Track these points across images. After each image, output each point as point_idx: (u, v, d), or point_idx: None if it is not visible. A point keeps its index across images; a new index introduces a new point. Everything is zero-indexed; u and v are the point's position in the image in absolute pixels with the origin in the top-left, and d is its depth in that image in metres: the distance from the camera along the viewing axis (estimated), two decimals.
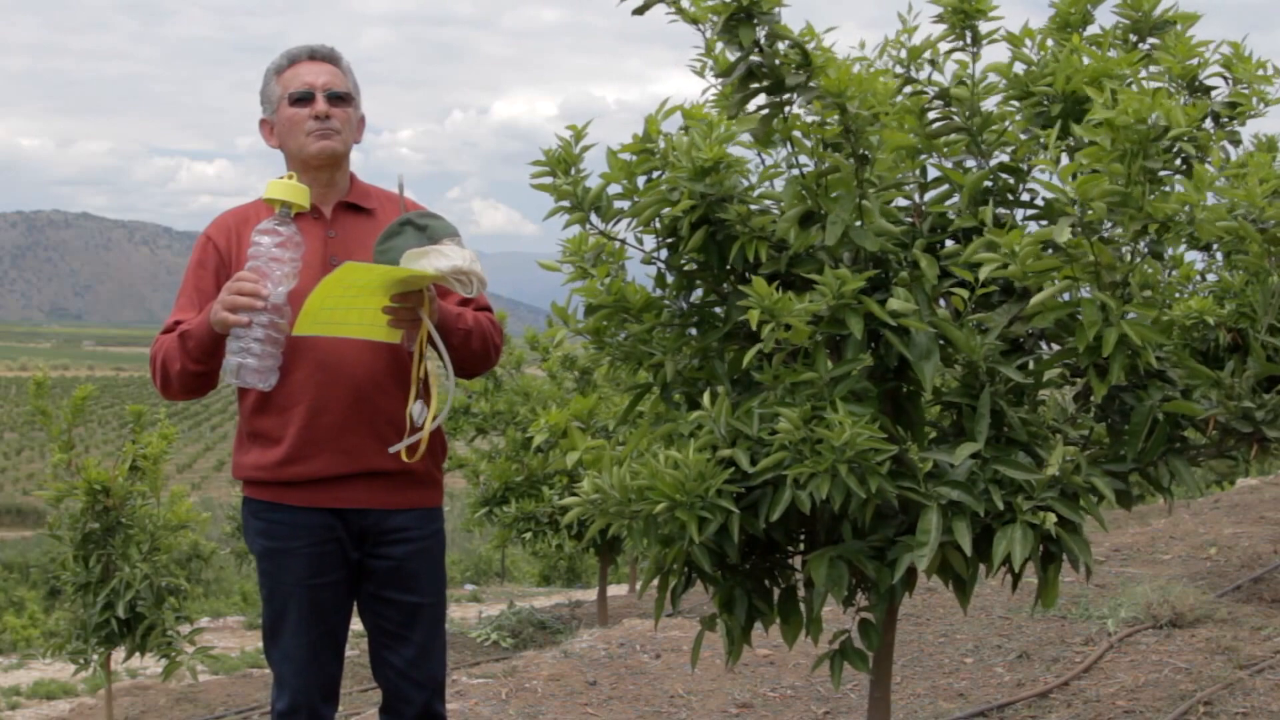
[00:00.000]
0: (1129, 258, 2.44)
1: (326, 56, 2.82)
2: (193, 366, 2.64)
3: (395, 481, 2.78)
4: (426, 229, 2.56)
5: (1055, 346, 2.68)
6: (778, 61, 2.55)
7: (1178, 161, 2.39)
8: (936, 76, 2.79)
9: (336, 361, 2.70)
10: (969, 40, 2.76)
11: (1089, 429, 2.71)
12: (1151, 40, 2.82)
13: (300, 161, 2.78)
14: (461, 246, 2.57)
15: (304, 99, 2.75)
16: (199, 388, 2.72)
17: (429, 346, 2.70)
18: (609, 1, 2.62)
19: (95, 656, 6.30)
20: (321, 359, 2.70)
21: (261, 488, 2.77)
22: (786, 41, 2.54)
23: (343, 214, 2.82)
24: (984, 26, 2.75)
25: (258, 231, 2.60)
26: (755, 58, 2.55)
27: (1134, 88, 2.56)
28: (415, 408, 2.73)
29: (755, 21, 2.51)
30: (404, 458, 2.71)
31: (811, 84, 2.54)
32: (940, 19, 2.75)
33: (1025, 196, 2.76)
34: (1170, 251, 2.52)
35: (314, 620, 2.77)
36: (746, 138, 2.65)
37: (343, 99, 2.79)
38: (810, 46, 2.54)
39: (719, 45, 2.59)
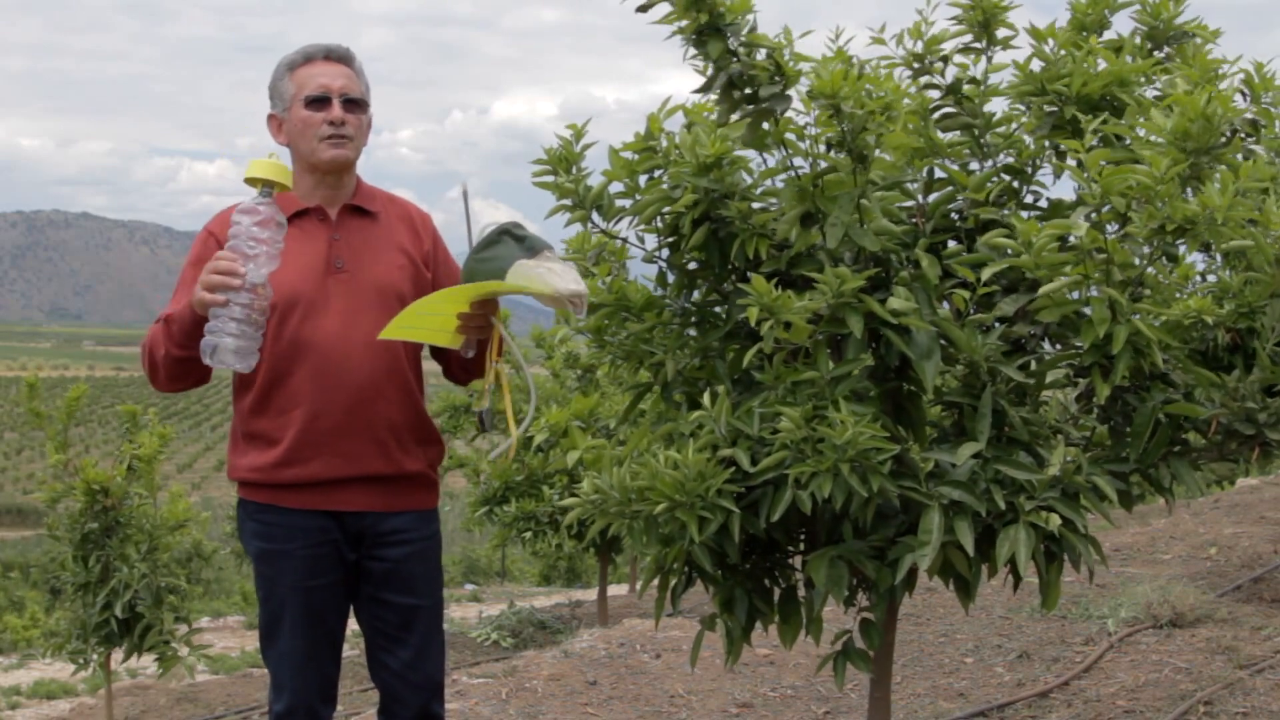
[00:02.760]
0: (1144, 258, 2.43)
1: (342, 57, 2.77)
2: (176, 351, 2.61)
3: (392, 485, 2.78)
4: (524, 240, 2.53)
5: (1058, 347, 2.68)
6: (753, 72, 2.55)
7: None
8: (949, 73, 2.78)
9: (337, 365, 2.68)
10: (984, 42, 2.76)
11: (1091, 429, 2.70)
12: (1167, 49, 2.82)
13: (309, 165, 2.76)
14: (557, 258, 2.54)
15: (320, 102, 2.71)
16: (184, 375, 2.68)
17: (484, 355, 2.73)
18: (609, 1, 2.62)
19: (95, 656, 6.30)
20: (322, 362, 2.69)
21: (257, 489, 2.75)
22: (764, 50, 2.55)
23: (348, 217, 2.80)
24: (1000, 32, 2.75)
25: (239, 211, 2.56)
26: (735, 67, 2.55)
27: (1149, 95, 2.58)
28: (484, 411, 2.76)
29: (725, 32, 2.52)
30: (485, 467, 2.75)
31: (787, 93, 2.54)
32: (958, 19, 2.75)
33: (1029, 199, 2.76)
34: (1183, 248, 2.51)
35: (311, 622, 2.76)
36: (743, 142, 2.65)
37: (357, 104, 2.75)
38: (787, 55, 2.54)
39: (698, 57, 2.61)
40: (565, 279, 2.46)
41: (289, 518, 2.72)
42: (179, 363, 2.64)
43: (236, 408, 2.80)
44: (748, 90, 2.58)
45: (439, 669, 2.89)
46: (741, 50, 2.55)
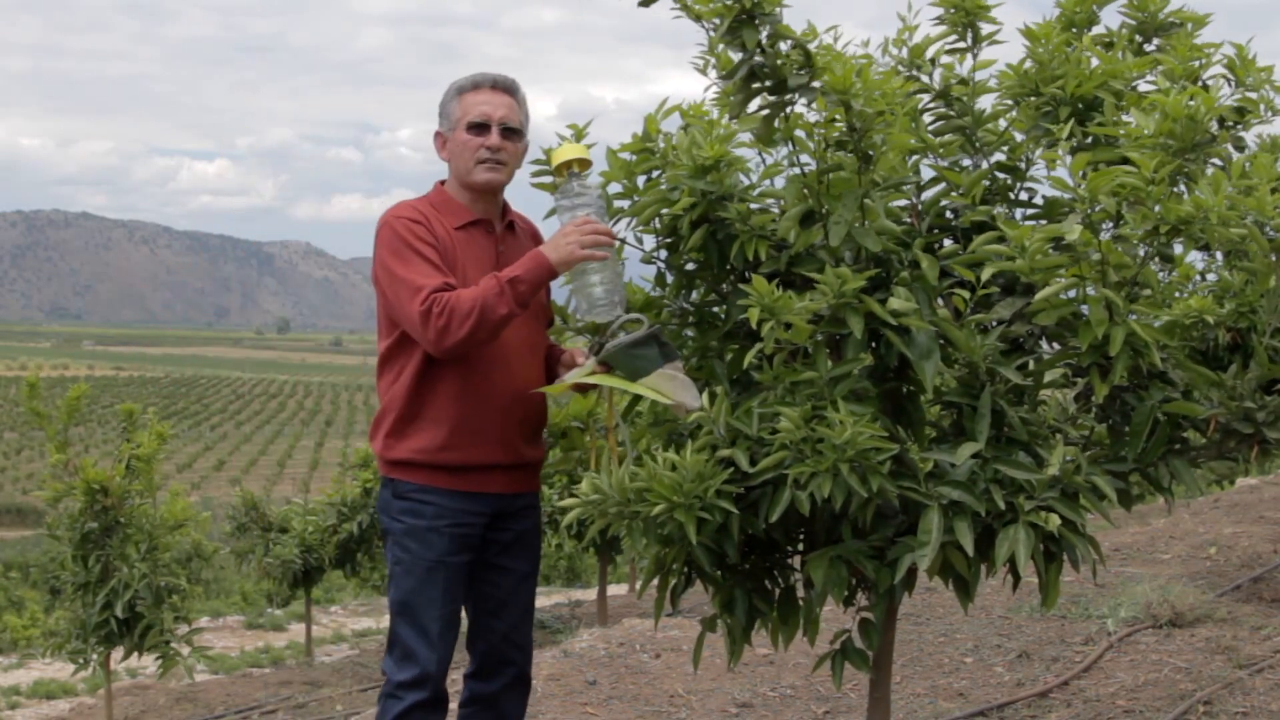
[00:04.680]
0: (1140, 259, 2.43)
1: (507, 88, 3.00)
2: (518, 310, 2.82)
3: (525, 469, 3.08)
4: (665, 346, 2.77)
5: (1056, 346, 2.68)
6: (780, 62, 2.55)
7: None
8: (937, 75, 2.78)
9: (506, 365, 2.96)
10: (970, 40, 2.76)
11: (1089, 429, 2.70)
12: (1157, 41, 2.82)
13: (464, 184, 3.00)
14: (682, 369, 2.79)
15: (480, 128, 2.95)
16: (498, 334, 2.86)
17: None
18: (609, 1, 2.62)
19: (95, 656, 6.30)
20: (495, 360, 2.94)
21: (415, 470, 2.96)
22: (789, 42, 2.54)
23: (506, 232, 3.06)
24: (985, 28, 2.75)
25: (583, 186, 2.83)
26: (758, 59, 2.55)
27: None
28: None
29: (758, 23, 2.51)
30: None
31: (814, 84, 2.53)
32: (941, 20, 2.75)
33: (1023, 196, 2.75)
34: (1179, 250, 2.51)
35: (449, 597, 2.97)
36: (746, 136, 2.65)
37: (514, 133, 2.98)
38: (812, 46, 2.54)
39: (722, 45, 2.59)
40: (688, 394, 2.71)
41: (443, 498, 2.96)
42: (510, 320, 2.84)
43: (395, 392, 2.97)
44: (767, 83, 2.58)
45: (532, 636, 3.19)
46: (767, 42, 2.55)
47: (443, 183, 3.07)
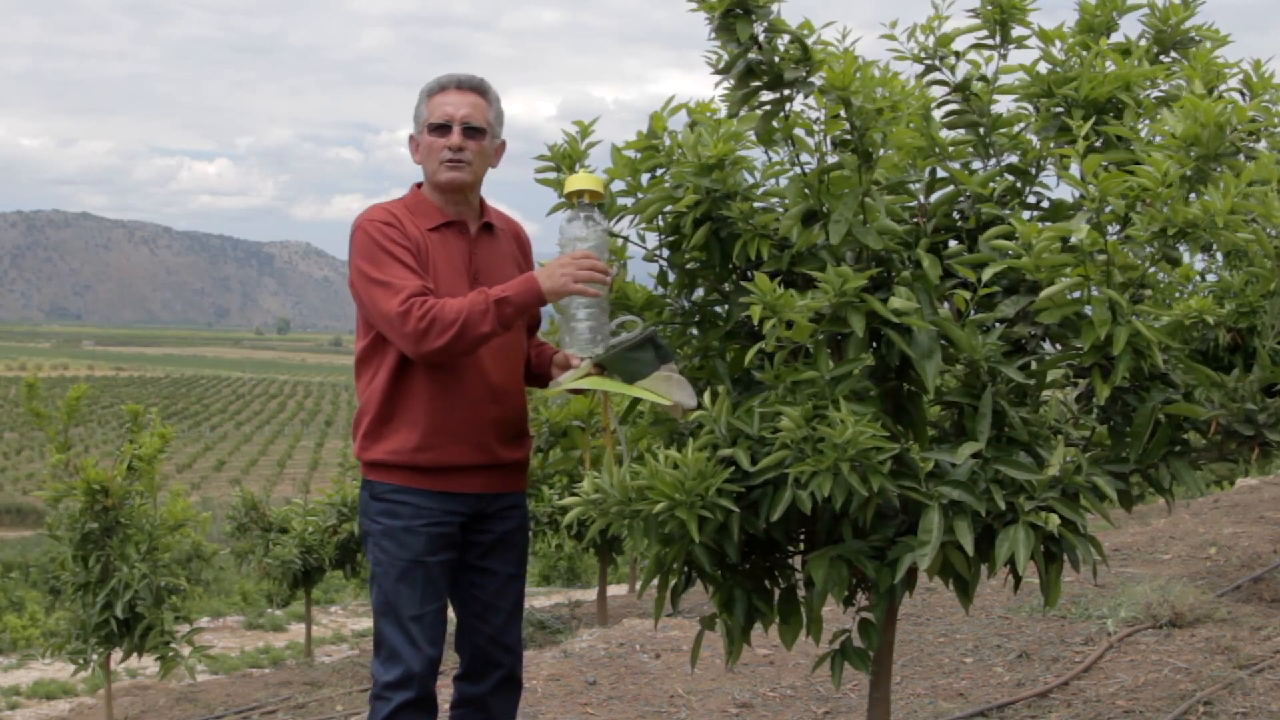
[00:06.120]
0: (1146, 261, 2.43)
1: (474, 87, 3.01)
2: (500, 330, 2.83)
3: (506, 470, 3.07)
4: (660, 349, 2.78)
5: (1058, 348, 2.68)
6: (777, 57, 2.54)
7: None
8: (961, 70, 2.76)
9: (478, 365, 2.96)
10: (999, 40, 2.75)
11: (1090, 430, 2.70)
12: (1174, 54, 2.81)
13: (432, 184, 3.02)
14: (677, 369, 2.79)
15: (442, 129, 2.97)
16: (476, 350, 2.88)
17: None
18: (608, 1, 2.62)
19: (95, 656, 6.30)
20: (466, 362, 2.93)
21: (391, 471, 2.97)
22: (786, 37, 2.54)
23: (482, 233, 3.06)
24: (1016, 30, 2.74)
25: (591, 219, 2.81)
26: (754, 55, 2.55)
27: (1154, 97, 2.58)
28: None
29: (752, 16, 2.51)
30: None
31: (811, 79, 2.53)
32: (975, 13, 2.74)
33: (1031, 199, 2.75)
34: (1185, 251, 2.51)
35: (430, 596, 2.97)
36: (752, 136, 2.65)
37: (478, 132, 2.98)
38: (810, 41, 2.53)
39: (719, 39, 2.59)
40: (685, 394, 2.72)
41: (419, 498, 2.96)
42: (489, 339, 2.86)
43: (371, 393, 2.99)
44: (765, 80, 2.57)
45: (521, 636, 3.21)
46: (764, 38, 2.54)
47: (420, 185, 3.07)
